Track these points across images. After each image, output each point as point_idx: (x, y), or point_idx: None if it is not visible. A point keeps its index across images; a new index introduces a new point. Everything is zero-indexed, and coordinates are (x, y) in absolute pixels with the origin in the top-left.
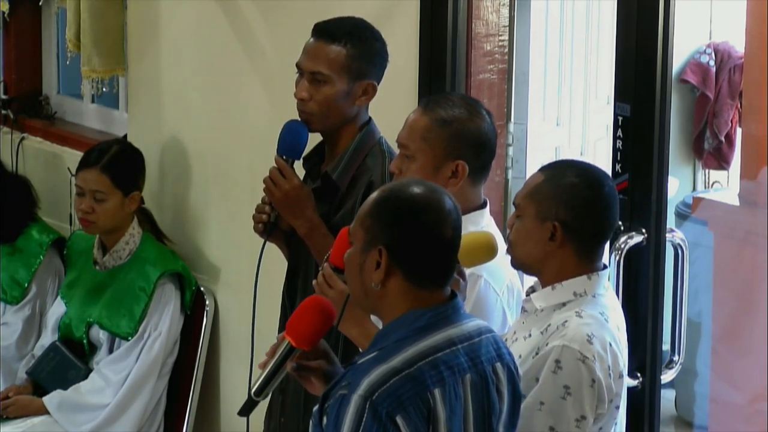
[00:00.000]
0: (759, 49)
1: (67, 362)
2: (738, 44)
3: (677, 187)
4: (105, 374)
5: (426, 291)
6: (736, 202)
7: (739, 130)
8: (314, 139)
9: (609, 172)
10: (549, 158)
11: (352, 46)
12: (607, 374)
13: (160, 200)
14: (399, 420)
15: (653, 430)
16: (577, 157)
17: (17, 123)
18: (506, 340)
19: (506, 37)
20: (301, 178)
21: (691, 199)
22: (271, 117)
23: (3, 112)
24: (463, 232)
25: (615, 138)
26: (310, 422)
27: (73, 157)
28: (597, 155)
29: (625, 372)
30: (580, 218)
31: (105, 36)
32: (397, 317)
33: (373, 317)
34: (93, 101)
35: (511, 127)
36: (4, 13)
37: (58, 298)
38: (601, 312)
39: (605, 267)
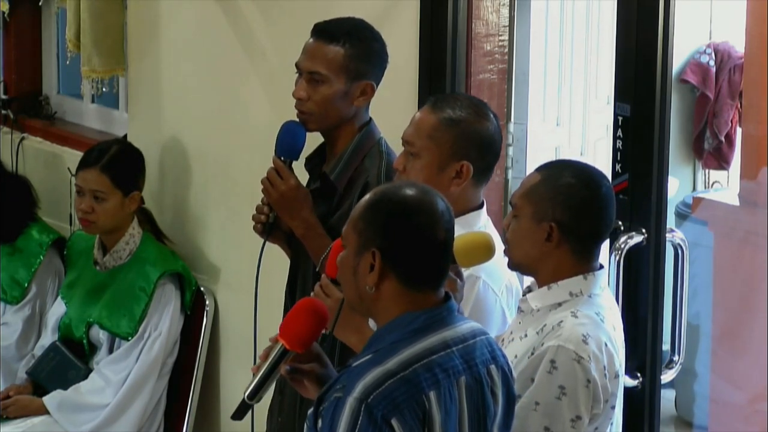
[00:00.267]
0: (759, 49)
1: (67, 362)
2: (738, 44)
3: (677, 187)
4: (105, 374)
5: (420, 293)
6: (736, 202)
7: (739, 130)
8: (317, 139)
9: (609, 172)
10: (549, 158)
11: (351, 46)
12: (603, 374)
13: (160, 200)
14: (394, 423)
15: (653, 430)
16: (577, 157)
17: (17, 123)
18: (503, 340)
19: (506, 37)
20: (303, 178)
21: (691, 199)
22: (271, 117)
23: (3, 112)
24: (461, 232)
25: (615, 138)
26: (305, 425)
27: (73, 157)
28: (597, 155)
29: (622, 372)
30: (577, 218)
31: (105, 36)
32: (392, 320)
33: (371, 323)
34: (93, 101)
35: (511, 127)
36: (4, 13)
37: (59, 298)
38: (596, 312)
39: (601, 267)
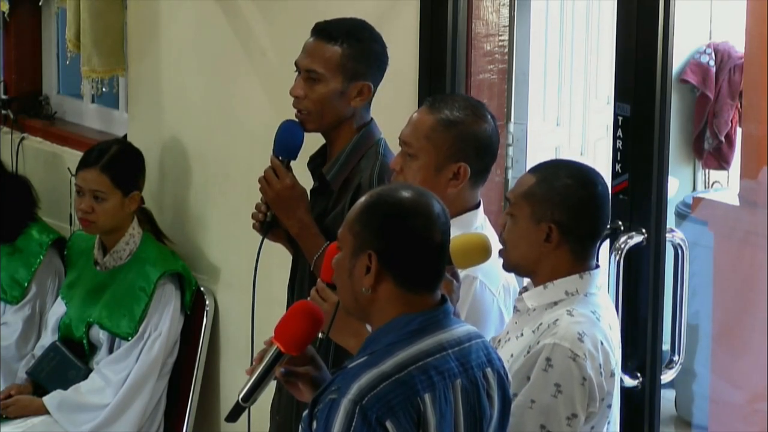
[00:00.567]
0: (759, 49)
1: (67, 362)
2: (738, 44)
3: (677, 187)
4: (105, 374)
5: (416, 295)
6: (736, 202)
7: (739, 130)
8: (321, 139)
9: (609, 172)
10: (549, 158)
11: (349, 46)
12: (599, 372)
13: (160, 200)
14: (389, 425)
15: (653, 430)
16: (577, 157)
17: (17, 123)
18: (499, 341)
19: (506, 37)
20: (304, 177)
21: (691, 199)
22: (271, 117)
23: (3, 112)
24: (458, 233)
25: (615, 138)
26: (300, 427)
27: (73, 157)
28: (597, 155)
29: (618, 371)
30: (576, 219)
31: (105, 36)
32: (388, 322)
33: (368, 326)
34: (93, 101)
35: (511, 127)
36: (4, 13)
37: (59, 298)
38: (593, 311)
39: (597, 266)
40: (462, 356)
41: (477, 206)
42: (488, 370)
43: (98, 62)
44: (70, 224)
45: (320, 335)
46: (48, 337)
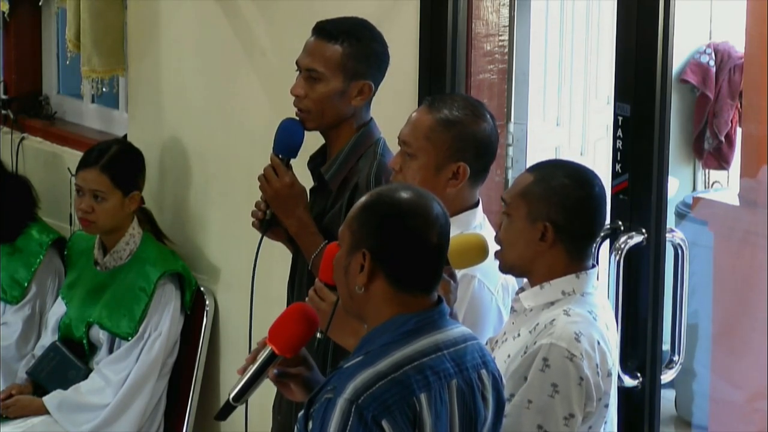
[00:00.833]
0: (759, 49)
1: (67, 362)
2: (738, 44)
3: (677, 187)
4: (105, 374)
5: (411, 296)
6: (735, 201)
7: (739, 130)
8: (321, 139)
9: (609, 172)
10: (549, 158)
11: (349, 45)
12: (595, 372)
13: (160, 200)
14: (385, 424)
15: (653, 430)
16: (577, 157)
17: (17, 123)
18: (496, 341)
19: (506, 37)
20: (304, 176)
21: (691, 199)
22: (271, 117)
23: (3, 112)
24: (457, 232)
25: (615, 138)
26: (295, 427)
27: (73, 157)
28: (597, 155)
29: (615, 371)
30: (572, 218)
31: (105, 36)
32: (383, 322)
33: None
34: (93, 101)
35: (511, 127)
36: (4, 13)
37: (59, 298)
38: (589, 310)
39: (594, 266)
40: (457, 357)
41: (476, 205)
42: (483, 371)
43: (98, 62)
44: (70, 224)
45: (319, 334)
46: (48, 337)
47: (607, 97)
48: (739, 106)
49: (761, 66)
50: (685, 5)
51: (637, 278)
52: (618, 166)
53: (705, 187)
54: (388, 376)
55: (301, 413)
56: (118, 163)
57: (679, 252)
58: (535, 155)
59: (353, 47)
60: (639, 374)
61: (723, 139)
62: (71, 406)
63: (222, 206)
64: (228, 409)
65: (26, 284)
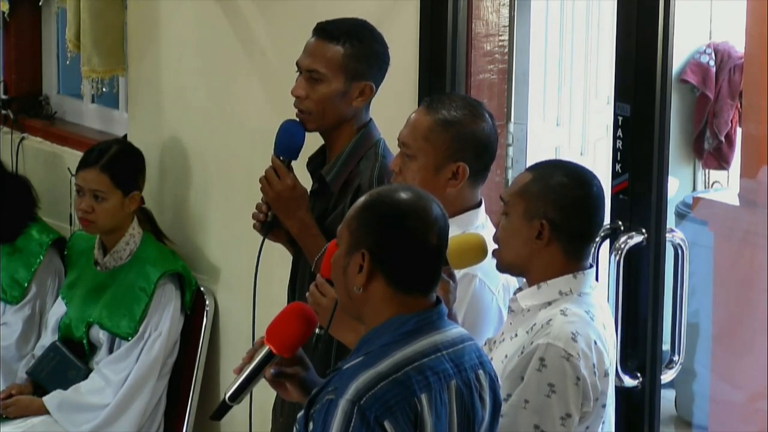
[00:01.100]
0: (759, 49)
1: (67, 362)
2: (738, 44)
3: (677, 187)
4: (105, 374)
5: (410, 297)
6: (735, 201)
7: (739, 130)
8: (320, 139)
9: (609, 172)
10: (549, 158)
11: (350, 46)
12: (592, 372)
13: (160, 200)
14: (387, 425)
15: (653, 430)
16: (577, 157)
17: (17, 123)
18: (494, 341)
19: (506, 37)
20: (304, 178)
21: (691, 199)
22: (271, 117)
23: (3, 112)
24: (458, 232)
25: (615, 138)
26: (294, 428)
27: (73, 157)
28: (597, 155)
29: (612, 371)
30: (569, 217)
31: (105, 36)
32: (382, 322)
33: None
34: (93, 101)
35: (511, 127)
36: (4, 13)
37: (59, 298)
38: (586, 310)
39: (591, 266)
40: (456, 357)
41: (478, 205)
42: (480, 372)
43: (98, 62)
44: (70, 224)
45: (320, 330)
46: (48, 337)
47: (607, 97)
48: (739, 106)
49: (761, 66)
50: (685, 5)
51: (637, 278)
52: (618, 166)
53: (705, 187)
54: (389, 377)
55: (300, 414)
56: (118, 163)
57: (679, 252)
58: (535, 155)
59: (354, 48)
60: (639, 374)
61: (723, 139)
62: (71, 406)
63: (222, 206)
64: (224, 408)
65: (26, 284)
